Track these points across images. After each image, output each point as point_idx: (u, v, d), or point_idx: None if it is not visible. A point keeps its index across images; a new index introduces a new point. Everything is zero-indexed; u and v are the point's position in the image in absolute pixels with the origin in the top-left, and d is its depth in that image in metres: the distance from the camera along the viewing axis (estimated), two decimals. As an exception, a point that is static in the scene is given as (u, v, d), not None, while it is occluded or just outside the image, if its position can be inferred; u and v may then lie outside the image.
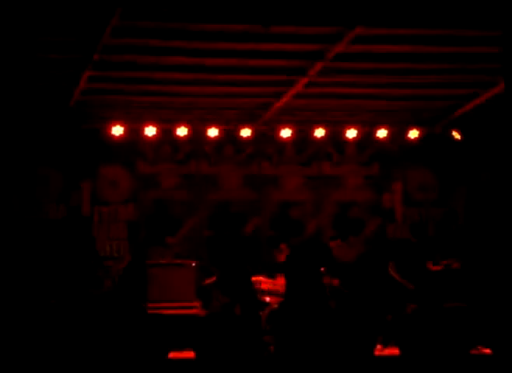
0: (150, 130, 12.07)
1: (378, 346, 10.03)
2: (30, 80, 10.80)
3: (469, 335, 9.75)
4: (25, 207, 12.44)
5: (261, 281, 11.30)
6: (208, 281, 11.02)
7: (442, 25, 9.38)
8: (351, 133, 12.47)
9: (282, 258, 11.58)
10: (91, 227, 10.34)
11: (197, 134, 12.33)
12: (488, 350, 9.99)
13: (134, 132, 12.07)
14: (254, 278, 10.79)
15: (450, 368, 8.93)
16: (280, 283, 11.37)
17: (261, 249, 11.85)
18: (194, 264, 11.54)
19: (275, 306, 11.07)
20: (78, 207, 12.69)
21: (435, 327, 9.46)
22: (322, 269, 9.97)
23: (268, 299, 11.35)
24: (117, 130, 11.93)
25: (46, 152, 12.47)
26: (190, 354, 9.29)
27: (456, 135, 12.47)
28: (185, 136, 12.29)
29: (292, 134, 12.45)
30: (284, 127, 12.42)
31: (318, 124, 12.43)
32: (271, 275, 11.51)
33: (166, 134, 12.26)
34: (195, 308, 11.20)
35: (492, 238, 13.46)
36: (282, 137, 12.54)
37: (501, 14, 8.76)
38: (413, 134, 12.51)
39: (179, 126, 12.14)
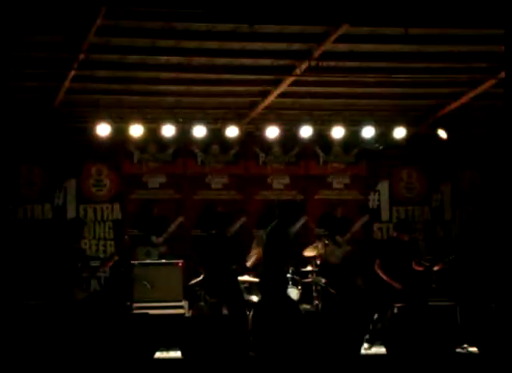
0: (136, 130, 12.02)
1: (364, 345, 10.04)
2: (15, 79, 10.75)
3: (455, 333, 9.76)
4: (9, 206, 12.37)
5: (247, 281, 11.31)
6: (194, 281, 10.99)
7: (427, 24, 9.41)
8: (337, 132, 12.46)
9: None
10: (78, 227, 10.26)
11: (183, 133, 12.29)
12: (474, 349, 10.02)
13: (120, 131, 12.02)
14: (240, 278, 10.78)
15: (437, 367, 8.93)
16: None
17: (248, 248, 11.82)
18: (180, 264, 11.51)
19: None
20: (64, 206, 12.65)
21: (421, 326, 9.46)
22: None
23: (254, 299, 11.35)
24: (103, 130, 11.88)
25: (31, 151, 12.41)
26: (176, 354, 9.26)
27: (442, 134, 12.48)
28: (171, 135, 12.24)
29: (278, 133, 12.42)
30: (270, 127, 12.39)
31: (305, 123, 12.41)
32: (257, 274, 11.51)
33: (153, 133, 12.22)
34: (182, 308, 11.18)
35: (479, 235, 13.52)
36: (268, 137, 12.52)
37: (495, 13, 8.79)
38: (399, 133, 12.52)
39: (165, 125, 12.10)
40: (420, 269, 10.83)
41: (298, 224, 12.41)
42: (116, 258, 10.29)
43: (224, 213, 12.25)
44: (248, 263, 10.87)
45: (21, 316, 9.24)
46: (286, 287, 9.86)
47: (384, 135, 12.61)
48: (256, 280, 11.42)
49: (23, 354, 8.69)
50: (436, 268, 10.96)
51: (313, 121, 12.26)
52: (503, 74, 10.45)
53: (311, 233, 13.03)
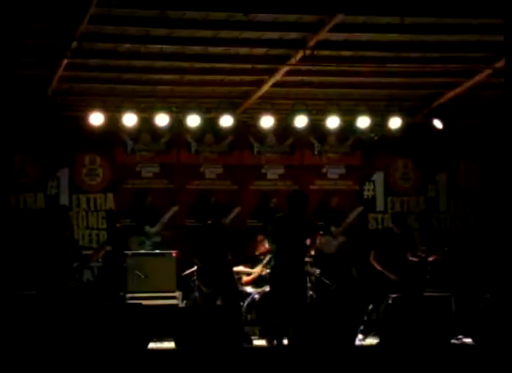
0: (129, 119, 11.94)
1: (359, 336, 10.02)
2: (7, 67, 10.66)
3: (450, 324, 9.74)
4: (2, 196, 12.30)
5: (242, 271, 11.28)
6: (188, 271, 10.94)
7: (423, 13, 9.34)
8: (332, 122, 12.40)
9: (259, 248, 11.57)
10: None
11: (177, 122, 12.22)
12: (469, 340, 10.01)
13: (113, 120, 11.94)
14: (234, 268, 10.73)
15: (431, 358, 8.91)
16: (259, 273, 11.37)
17: (242, 239, 11.78)
18: (174, 254, 11.46)
19: (257, 296, 11.05)
20: (57, 196, 12.58)
21: (416, 317, 9.44)
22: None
23: (249, 290, 11.31)
24: (96, 119, 11.79)
25: (23, 140, 12.33)
26: (170, 345, 9.22)
27: (437, 124, 12.43)
28: (165, 125, 12.17)
29: (273, 123, 12.35)
30: (265, 116, 12.32)
31: (299, 113, 12.34)
32: (251, 265, 11.48)
33: (146, 122, 12.15)
34: (175, 299, 11.14)
35: (474, 226, 13.50)
36: (262, 126, 12.45)
37: (492, 2, 8.73)
38: (394, 122, 12.46)
39: (159, 114, 12.02)
40: (415, 260, 10.80)
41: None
42: (108, 248, 10.23)
43: (219, 203, 12.20)
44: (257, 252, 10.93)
45: (14, 307, 9.20)
46: (306, 277, 9.86)
47: (379, 125, 12.55)
48: (250, 270, 11.43)
49: (16, 345, 8.64)
50: (430, 259, 10.94)
51: (308, 111, 12.18)
52: (498, 64, 10.43)
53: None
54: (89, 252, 10.26)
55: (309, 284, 11.00)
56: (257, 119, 12.41)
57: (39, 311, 9.03)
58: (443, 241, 12.49)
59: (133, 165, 12.95)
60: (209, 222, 10.48)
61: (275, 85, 11.53)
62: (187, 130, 12.49)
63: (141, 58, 10.51)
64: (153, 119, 12.05)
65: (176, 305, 10.93)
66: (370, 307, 10.63)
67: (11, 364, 7.85)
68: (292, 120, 12.12)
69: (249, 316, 10.95)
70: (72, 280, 9.43)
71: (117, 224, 11.85)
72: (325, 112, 12.34)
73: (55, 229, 9.71)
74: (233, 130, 12.65)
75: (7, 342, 8.73)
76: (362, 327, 10.45)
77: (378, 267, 10.62)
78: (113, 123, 11.99)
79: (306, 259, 11.25)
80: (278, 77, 11.20)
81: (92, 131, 12.01)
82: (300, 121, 12.30)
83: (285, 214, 9.67)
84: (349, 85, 11.87)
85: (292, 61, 10.55)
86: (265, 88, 11.64)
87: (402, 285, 10.47)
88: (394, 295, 10.23)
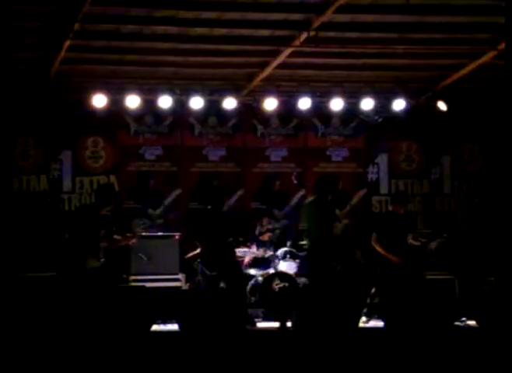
0: (133, 101, 11.90)
1: (363, 318, 10.01)
2: (10, 50, 10.60)
3: (454, 307, 9.73)
4: (5, 178, 12.26)
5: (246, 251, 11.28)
6: (191, 254, 10.93)
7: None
8: (336, 104, 12.35)
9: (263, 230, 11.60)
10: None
11: (180, 104, 12.17)
12: (472, 322, 10.00)
13: (116, 102, 11.90)
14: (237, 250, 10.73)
15: (435, 340, 8.91)
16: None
17: (245, 221, 11.77)
18: (177, 237, 11.45)
19: (260, 279, 11.05)
20: (60, 178, 12.56)
21: (419, 299, 9.42)
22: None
23: (252, 272, 11.31)
24: (99, 101, 11.75)
25: (26, 123, 12.28)
26: (173, 327, 9.22)
27: (441, 106, 12.38)
28: (168, 107, 12.13)
29: (276, 105, 12.31)
30: (268, 98, 12.27)
31: (303, 95, 12.29)
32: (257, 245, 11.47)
33: (149, 104, 12.10)
34: (179, 281, 11.14)
35: (478, 208, 13.47)
36: (266, 109, 12.40)
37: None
38: (398, 105, 12.40)
39: (162, 96, 11.97)
40: (416, 244, 10.76)
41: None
42: (135, 240, 10.06)
43: (220, 187, 12.17)
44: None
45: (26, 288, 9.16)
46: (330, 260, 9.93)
47: (383, 107, 12.50)
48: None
49: (21, 327, 8.65)
50: (432, 247, 10.87)
51: (311, 93, 12.13)
52: (503, 46, 10.36)
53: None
54: (119, 237, 10.15)
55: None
56: (260, 101, 12.36)
57: (43, 294, 9.01)
58: (447, 224, 12.46)
59: (136, 147, 12.91)
60: (210, 205, 10.46)
61: (278, 66, 11.48)
62: (190, 112, 12.44)
63: (144, 40, 10.45)
64: (156, 101, 12.01)
65: (179, 288, 10.93)
66: (374, 289, 10.61)
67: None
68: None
69: (252, 298, 10.96)
70: (94, 259, 9.35)
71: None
72: (329, 94, 12.29)
73: (93, 206, 9.56)
74: (237, 112, 12.60)
75: (11, 324, 8.73)
76: (365, 310, 10.43)
77: (379, 250, 10.59)
78: (116, 106, 11.95)
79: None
80: (282, 59, 11.14)
81: (95, 113, 11.97)
82: (304, 103, 12.25)
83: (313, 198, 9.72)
84: (353, 67, 11.81)
85: (297, 42, 10.49)
86: (269, 70, 11.58)
87: (404, 267, 10.45)
88: (397, 278, 10.22)
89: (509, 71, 7.15)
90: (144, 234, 11.73)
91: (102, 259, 9.40)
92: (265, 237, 11.61)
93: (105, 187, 10.72)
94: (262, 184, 13.11)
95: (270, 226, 11.82)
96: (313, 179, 13.14)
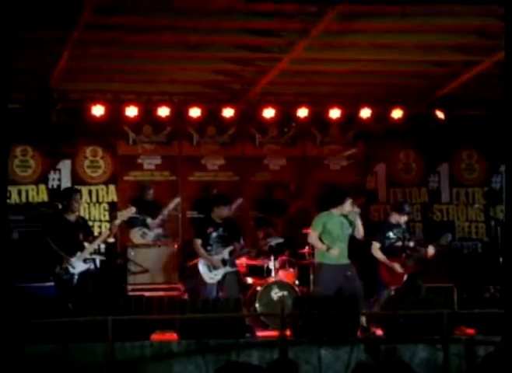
0: (131, 110, 11.92)
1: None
2: (8, 58, 10.60)
3: (452, 315, 9.71)
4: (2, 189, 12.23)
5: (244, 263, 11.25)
6: (192, 263, 10.92)
7: (426, 1, 9.29)
8: (334, 113, 12.37)
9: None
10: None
11: (179, 114, 12.19)
12: (471, 331, 9.97)
13: (114, 112, 11.92)
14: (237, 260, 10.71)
15: (432, 349, 8.90)
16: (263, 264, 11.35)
17: (245, 230, 11.75)
18: (176, 246, 11.44)
19: (258, 288, 11.03)
20: (58, 188, 12.55)
21: (417, 307, 9.41)
22: None
23: (250, 281, 11.29)
24: (98, 110, 11.78)
25: (24, 132, 12.27)
26: (172, 336, 9.20)
27: (439, 114, 12.40)
28: (167, 116, 12.15)
29: (275, 114, 12.33)
30: (267, 107, 12.30)
31: (302, 104, 12.31)
32: (256, 256, 11.44)
33: (148, 114, 12.12)
34: (178, 291, 11.12)
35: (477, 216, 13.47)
36: (265, 118, 12.42)
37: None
38: (397, 113, 12.43)
39: (160, 106, 11.99)
40: (413, 254, 10.74)
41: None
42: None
43: (222, 195, 12.16)
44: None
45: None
46: None
47: (381, 116, 12.52)
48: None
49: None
50: (430, 254, 10.82)
51: (310, 102, 12.15)
52: (499, 55, 10.38)
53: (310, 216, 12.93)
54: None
55: (311, 276, 11.03)
56: (259, 110, 12.38)
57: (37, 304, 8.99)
58: (445, 233, 12.43)
59: (135, 156, 12.92)
60: (210, 214, 10.46)
61: (277, 75, 11.48)
62: (188, 121, 12.46)
63: (143, 49, 10.46)
64: (155, 110, 12.03)
65: (178, 297, 10.90)
66: (373, 298, 10.61)
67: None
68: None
69: (251, 308, 10.93)
70: (82, 263, 9.42)
71: (113, 213, 11.71)
72: (327, 103, 12.30)
73: (60, 213, 9.67)
74: (235, 121, 12.62)
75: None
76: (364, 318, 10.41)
77: (381, 259, 10.57)
78: (115, 115, 11.96)
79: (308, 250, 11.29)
80: (281, 67, 11.15)
81: (93, 123, 11.99)
82: (302, 112, 12.28)
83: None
84: (351, 76, 11.82)
85: (295, 50, 10.50)
86: (268, 78, 11.59)
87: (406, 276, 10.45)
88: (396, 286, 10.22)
89: (509, 79, 7.15)
90: (143, 243, 11.76)
91: (90, 263, 9.54)
92: (264, 246, 11.58)
93: (65, 192, 10.75)
94: (261, 193, 13.11)
95: (267, 240, 11.71)
96: (311, 187, 13.22)
